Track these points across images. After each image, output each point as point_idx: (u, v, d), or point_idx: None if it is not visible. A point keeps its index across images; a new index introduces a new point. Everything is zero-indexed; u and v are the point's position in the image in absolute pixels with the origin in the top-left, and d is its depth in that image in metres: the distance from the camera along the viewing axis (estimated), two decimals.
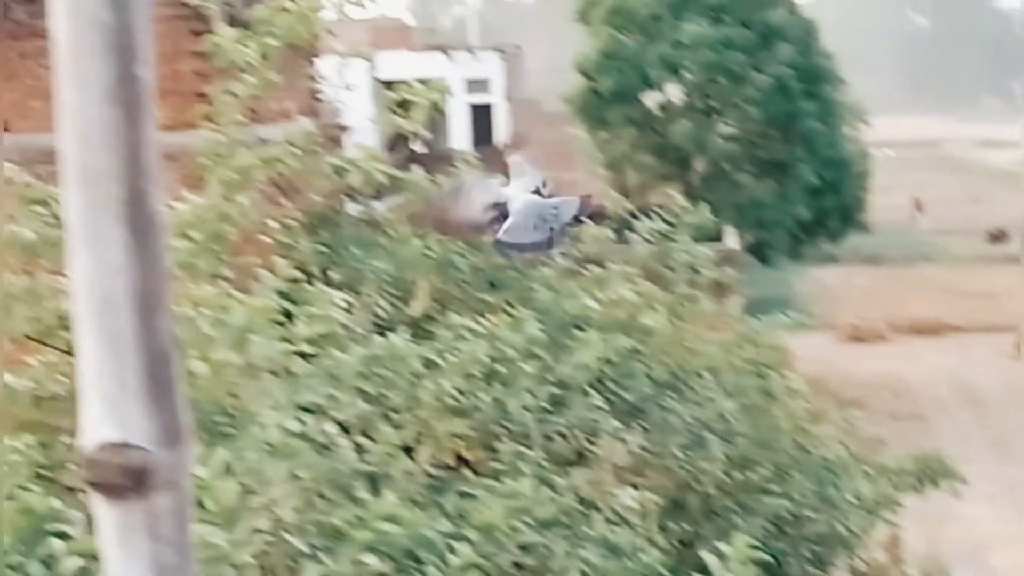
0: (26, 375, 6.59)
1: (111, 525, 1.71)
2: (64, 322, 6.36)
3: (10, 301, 6.51)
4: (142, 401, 1.73)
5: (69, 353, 6.61)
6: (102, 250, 1.74)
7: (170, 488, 1.72)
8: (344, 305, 6.72)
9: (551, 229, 6.92)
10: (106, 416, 1.74)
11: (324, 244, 9.43)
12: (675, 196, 11.17)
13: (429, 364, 6.92)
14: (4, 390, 6.38)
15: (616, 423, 7.98)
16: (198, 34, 12.30)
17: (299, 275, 6.74)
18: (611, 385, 8.31)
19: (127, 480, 1.70)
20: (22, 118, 13.02)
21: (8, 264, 6.66)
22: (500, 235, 6.84)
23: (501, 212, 6.74)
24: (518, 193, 6.85)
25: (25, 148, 12.75)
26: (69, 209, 1.69)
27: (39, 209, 6.07)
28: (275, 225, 7.47)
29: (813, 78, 32.08)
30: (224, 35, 6.90)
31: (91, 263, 1.74)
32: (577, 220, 7.37)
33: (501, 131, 42.27)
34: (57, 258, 6.36)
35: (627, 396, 8.26)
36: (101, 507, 1.69)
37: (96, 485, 1.69)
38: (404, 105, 7.78)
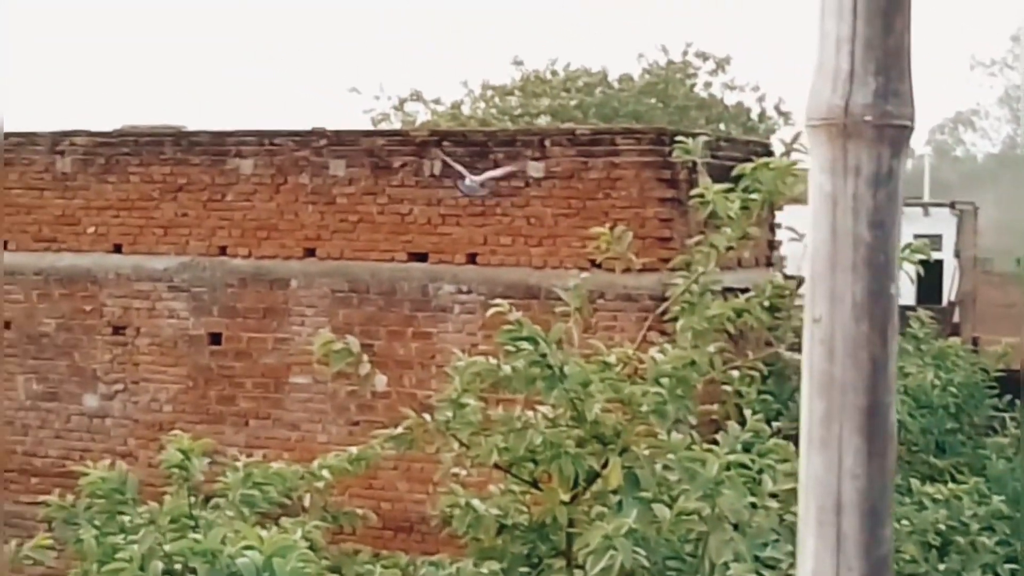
0: (492, 503, 6.84)
1: None
2: (532, 455, 6.58)
3: (483, 430, 6.80)
4: None
5: (533, 484, 6.83)
6: (836, 456, 1.82)
7: None
8: None
9: None
10: None
11: (770, 394, 9.41)
12: None
13: None
14: (471, 516, 6.64)
15: None
16: (665, 181, 12.64)
17: (765, 427, 6.77)
18: None
19: None
20: (491, 252, 13.65)
21: (479, 393, 6.97)
22: None
23: None
24: None
25: (492, 281, 13.36)
26: (806, 414, 1.78)
27: (525, 346, 6.31)
28: (735, 375, 7.53)
29: None
30: (709, 188, 7.04)
31: (823, 467, 1.82)
32: None
33: (949, 289, 41.17)
34: (532, 393, 6.60)
35: None
36: None
37: None
38: None
